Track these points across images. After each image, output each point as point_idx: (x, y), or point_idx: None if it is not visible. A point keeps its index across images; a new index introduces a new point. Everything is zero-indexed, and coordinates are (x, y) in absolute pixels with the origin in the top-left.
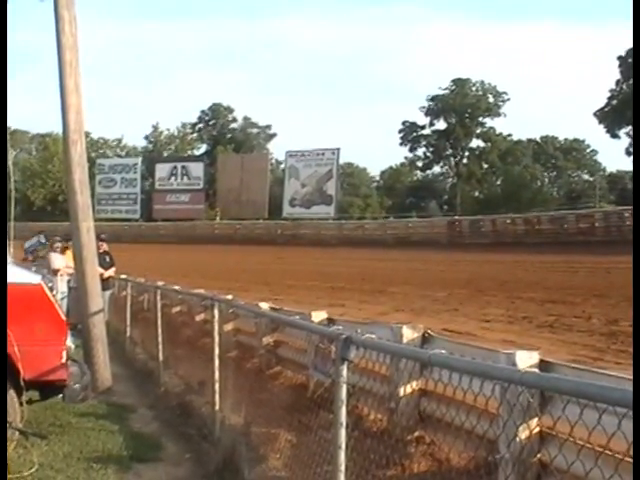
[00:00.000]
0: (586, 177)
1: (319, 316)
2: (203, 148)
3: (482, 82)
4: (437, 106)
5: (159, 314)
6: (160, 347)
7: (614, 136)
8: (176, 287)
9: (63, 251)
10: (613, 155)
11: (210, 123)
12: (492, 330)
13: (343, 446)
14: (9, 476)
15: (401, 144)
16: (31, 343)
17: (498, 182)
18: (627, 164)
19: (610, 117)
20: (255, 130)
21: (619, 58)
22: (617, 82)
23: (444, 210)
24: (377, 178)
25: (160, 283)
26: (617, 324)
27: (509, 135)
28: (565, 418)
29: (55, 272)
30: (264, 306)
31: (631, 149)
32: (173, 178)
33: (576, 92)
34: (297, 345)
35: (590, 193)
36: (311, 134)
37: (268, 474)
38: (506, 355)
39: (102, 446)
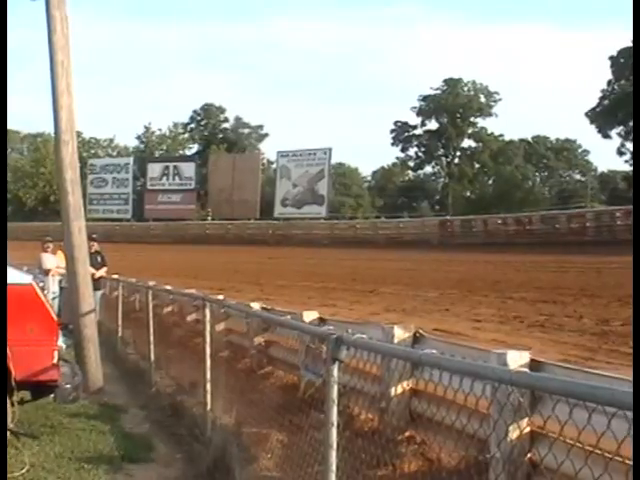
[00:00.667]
0: (577, 177)
1: (310, 316)
2: (195, 148)
3: (474, 82)
4: (429, 106)
5: (151, 314)
6: (152, 347)
7: (605, 136)
8: (168, 287)
9: (55, 251)
10: (604, 155)
11: (202, 123)
12: (483, 330)
13: (334, 446)
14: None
15: (393, 144)
16: (22, 343)
17: (490, 182)
18: (618, 164)
19: (602, 117)
20: (247, 130)
21: (611, 58)
22: (609, 82)
23: (436, 210)
24: (369, 178)
25: (152, 283)
26: (608, 324)
27: (501, 135)
28: (555, 418)
29: (47, 272)
30: (255, 306)
31: (622, 149)
32: (165, 178)
33: (568, 92)
34: (288, 345)
35: (581, 193)
36: (303, 134)
37: (259, 474)
38: (497, 355)
39: (93, 446)
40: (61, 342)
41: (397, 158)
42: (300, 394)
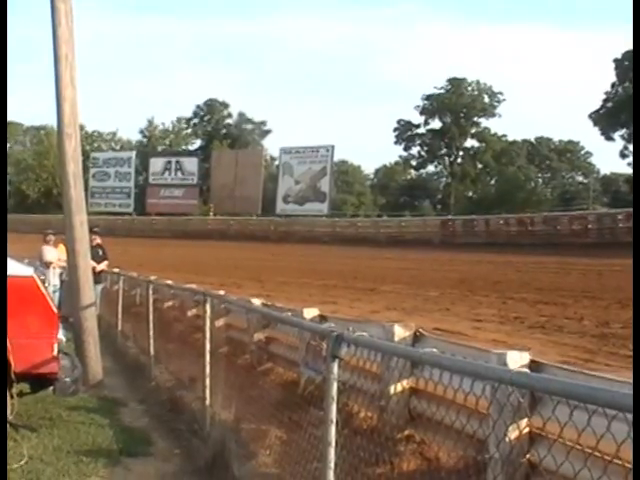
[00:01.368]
0: (580, 179)
1: (311, 313)
2: (198, 143)
3: (478, 82)
4: (432, 105)
5: (151, 308)
6: (151, 342)
7: (608, 138)
8: (168, 282)
9: (56, 244)
10: (607, 157)
11: (205, 118)
12: (483, 330)
13: (333, 443)
14: None
15: (396, 143)
16: (22, 335)
17: (492, 182)
18: (621, 166)
19: (605, 119)
20: (250, 126)
21: (615, 60)
22: (612, 85)
23: (437, 209)
24: (371, 176)
25: (152, 278)
26: (608, 326)
27: (504, 135)
28: (555, 419)
29: (47, 265)
30: (256, 302)
31: (625, 151)
32: (167, 173)
33: (571, 94)
34: (289, 342)
35: (584, 195)
36: (306, 131)
37: (258, 470)
38: (497, 355)
39: (92, 440)
40: (61, 335)
41: (400, 157)
42: (300, 391)
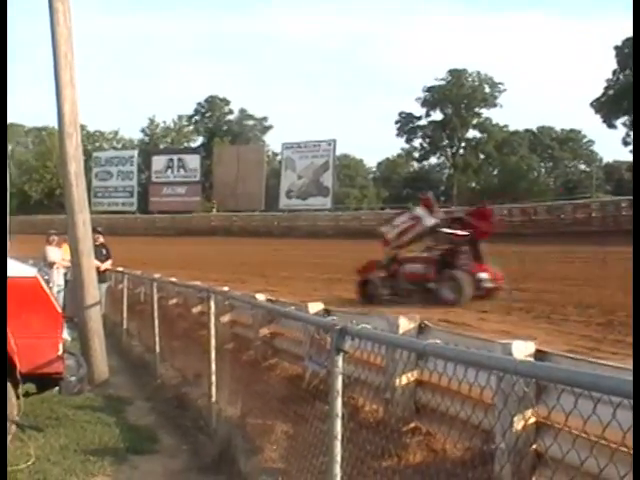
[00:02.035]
0: (583, 167)
1: (316, 307)
2: (199, 140)
3: (478, 73)
4: (433, 97)
5: (155, 306)
6: (157, 339)
7: (611, 126)
8: (172, 279)
9: (60, 244)
10: (610, 145)
11: (206, 115)
12: (489, 321)
13: (339, 437)
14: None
15: (397, 135)
16: (27, 336)
17: (495, 173)
18: (624, 154)
19: (607, 107)
20: (251, 122)
21: (616, 48)
22: (614, 72)
23: (441, 201)
24: (374, 169)
25: (157, 275)
26: (614, 314)
27: (505, 126)
28: (560, 408)
29: (51, 265)
30: (260, 298)
31: (628, 139)
32: (169, 170)
33: (573, 82)
34: (293, 336)
35: (587, 183)
36: (307, 126)
37: (264, 465)
38: (502, 345)
39: (98, 438)
40: (66, 335)
41: (402, 149)
42: (304, 385)
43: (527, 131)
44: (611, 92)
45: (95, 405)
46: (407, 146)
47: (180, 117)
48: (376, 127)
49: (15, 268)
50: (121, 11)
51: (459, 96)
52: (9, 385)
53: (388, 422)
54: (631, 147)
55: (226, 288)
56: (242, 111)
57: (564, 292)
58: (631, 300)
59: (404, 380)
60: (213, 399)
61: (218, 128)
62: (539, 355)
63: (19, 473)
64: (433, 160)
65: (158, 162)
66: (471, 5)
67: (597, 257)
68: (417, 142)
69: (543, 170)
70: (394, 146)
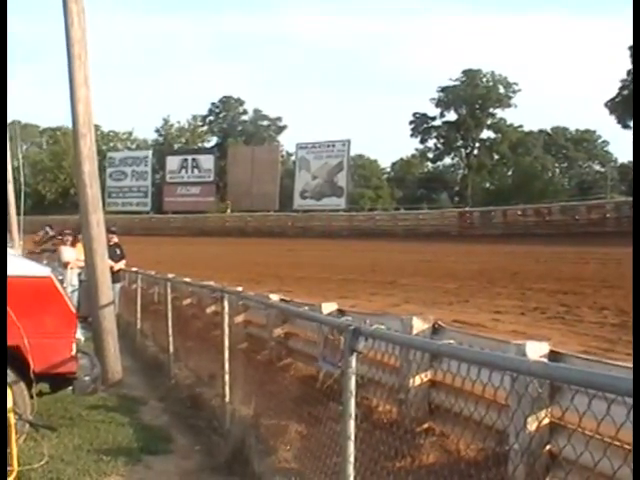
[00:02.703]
0: (597, 168)
1: (329, 307)
2: (214, 140)
3: (493, 73)
4: (448, 97)
5: (169, 306)
6: (170, 339)
7: (625, 126)
8: (186, 279)
9: (74, 244)
10: (624, 146)
11: (221, 115)
12: (503, 321)
13: (352, 437)
14: (19, 468)
15: (412, 135)
16: (41, 335)
17: (509, 173)
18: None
19: (621, 107)
20: (266, 122)
21: (630, 48)
22: (628, 72)
23: (455, 201)
24: (388, 169)
25: (170, 275)
26: (628, 315)
27: (520, 126)
28: (574, 408)
29: (65, 265)
30: (274, 298)
31: None
32: (184, 171)
33: (587, 82)
34: (307, 337)
35: (601, 184)
36: (322, 126)
37: (278, 466)
38: (516, 346)
39: (112, 438)
40: (79, 334)
41: (416, 149)
42: (318, 386)
43: (541, 131)
44: (625, 92)
45: (109, 405)
46: (421, 146)
47: (194, 117)
48: (390, 127)
49: (29, 268)
50: (136, 11)
51: (473, 96)
52: (23, 385)
53: (402, 423)
54: None
55: (240, 288)
56: (256, 111)
57: (578, 293)
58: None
59: (418, 381)
60: (227, 399)
61: (232, 128)
62: (553, 356)
63: (32, 473)
64: (447, 160)
65: (172, 162)
66: (485, 5)
67: (612, 258)
68: (431, 142)
69: (557, 170)
70: (408, 146)
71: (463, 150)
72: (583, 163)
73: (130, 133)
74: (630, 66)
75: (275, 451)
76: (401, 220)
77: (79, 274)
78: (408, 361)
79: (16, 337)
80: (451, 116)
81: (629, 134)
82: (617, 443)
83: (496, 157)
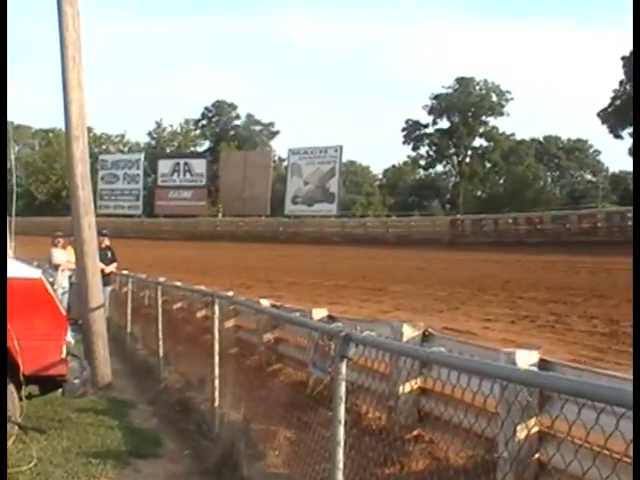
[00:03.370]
0: (589, 177)
1: (320, 313)
2: (206, 145)
3: (485, 81)
4: (440, 105)
5: (160, 310)
6: (160, 343)
7: (617, 136)
8: (177, 283)
9: (65, 246)
10: (616, 155)
11: (213, 120)
12: (493, 329)
13: (342, 443)
14: (8, 470)
15: (404, 142)
16: (31, 337)
17: (501, 181)
18: (630, 164)
19: (613, 117)
20: (258, 127)
21: (623, 58)
22: (620, 82)
23: (446, 209)
24: (380, 176)
25: (161, 279)
26: (618, 324)
27: (512, 134)
28: (563, 417)
29: (56, 267)
30: (264, 303)
31: None
32: (176, 174)
33: (580, 92)
34: (298, 342)
35: (593, 193)
36: (314, 132)
37: (267, 471)
38: (506, 354)
39: (101, 441)
40: (70, 337)
41: (408, 157)
42: (308, 391)
43: (534, 140)
44: (618, 102)
45: (98, 408)
46: (413, 154)
47: (187, 121)
48: (383, 134)
49: (20, 269)
50: (129, 14)
51: (466, 104)
52: (12, 387)
53: (391, 429)
54: None
55: (231, 293)
56: (249, 116)
57: (569, 302)
58: (633, 308)
59: (407, 388)
60: (216, 404)
61: (225, 133)
62: (543, 364)
63: (21, 475)
64: (439, 168)
65: (164, 166)
66: (479, 14)
67: (602, 267)
68: (423, 150)
69: (549, 179)
70: (400, 153)
71: (455, 158)
72: (575, 172)
73: (123, 136)
74: (623, 76)
75: (264, 456)
76: (392, 227)
77: (70, 276)
78: (398, 368)
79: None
80: (444, 124)
81: (621, 144)
82: (606, 452)
83: (488, 165)
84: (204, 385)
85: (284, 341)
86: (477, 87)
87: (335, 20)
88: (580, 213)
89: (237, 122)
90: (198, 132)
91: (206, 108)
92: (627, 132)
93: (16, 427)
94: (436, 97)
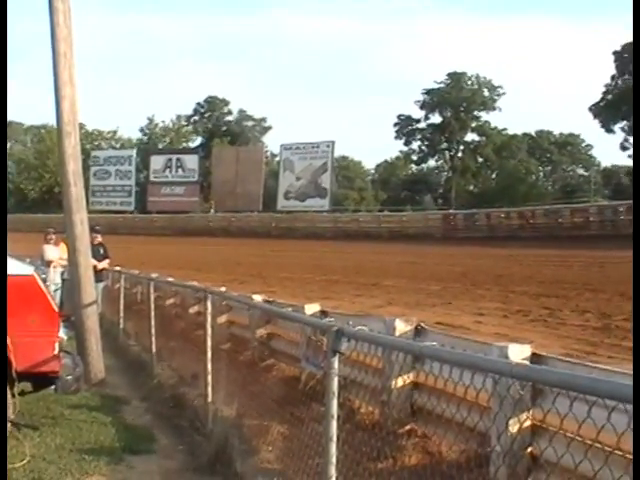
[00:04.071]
0: (581, 172)
1: (312, 308)
2: (198, 140)
3: (477, 76)
4: (432, 100)
5: (152, 306)
6: (153, 339)
7: (609, 131)
8: (170, 279)
9: (57, 243)
10: (608, 150)
11: (205, 115)
12: (486, 324)
13: (334, 438)
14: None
15: (396, 137)
16: (23, 334)
17: (493, 176)
18: (622, 159)
19: (605, 112)
20: (250, 123)
21: (614, 53)
22: (612, 77)
23: (439, 204)
24: (372, 171)
25: (154, 275)
26: (610, 318)
27: (504, 129)
28: (555, 411)
29: (48, 264)
30: (257, 298)
31: (626, 144)
32: (168, 170)
33: (571, 87)
34: (290, 337)
35: (585, 188)
36: (306, 127)
37: (260, 466)
38: (498, 348)
39: (94, 438)
40: (62, 333)
41: (400, 152)
42: (301, 386)
43: (526, 135)
44: (610, 97)
45: (91, 404)
46: (406, 149)
47: (179, 117)
48: (375, 129)
49: (12, 266)
50: (121, 10)
51: (458, 99)
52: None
53: (384, 424)
54: (629, 152)
55: (223, 288)
56: (241, 112)
57: (561, 296)
58: (631, 304)
59: (400, 382)
60: (209, 399)
61: (217, 128)
62: (535, 358)
63: (14, 472)
64: (431, 163)
65: (156, 162)
66: (471, 8)
67: (595, 261)
68: (416, 145)
69: (542, 174)
70: (393, 148)
71: (447, 153)
72: (567, 167)
73: (115, 132)
74: (614, 71)
75: (257, 451)
76: (385, 222)
77: (62, 273)
78: (391, 363)
79: None
80: (436, 118)
81: (612, 138)
82: (598, 445)
83: (480, 160)
84: (197, 381)
85: (277, 336)
86: (469, 82)
87: (327, 15)
88: (572, 207)
89: (229, 118)
90: (190, 128)
91: (198, 104)
92: (619, 126)
93: (9, 424)
94: (428, 92)
